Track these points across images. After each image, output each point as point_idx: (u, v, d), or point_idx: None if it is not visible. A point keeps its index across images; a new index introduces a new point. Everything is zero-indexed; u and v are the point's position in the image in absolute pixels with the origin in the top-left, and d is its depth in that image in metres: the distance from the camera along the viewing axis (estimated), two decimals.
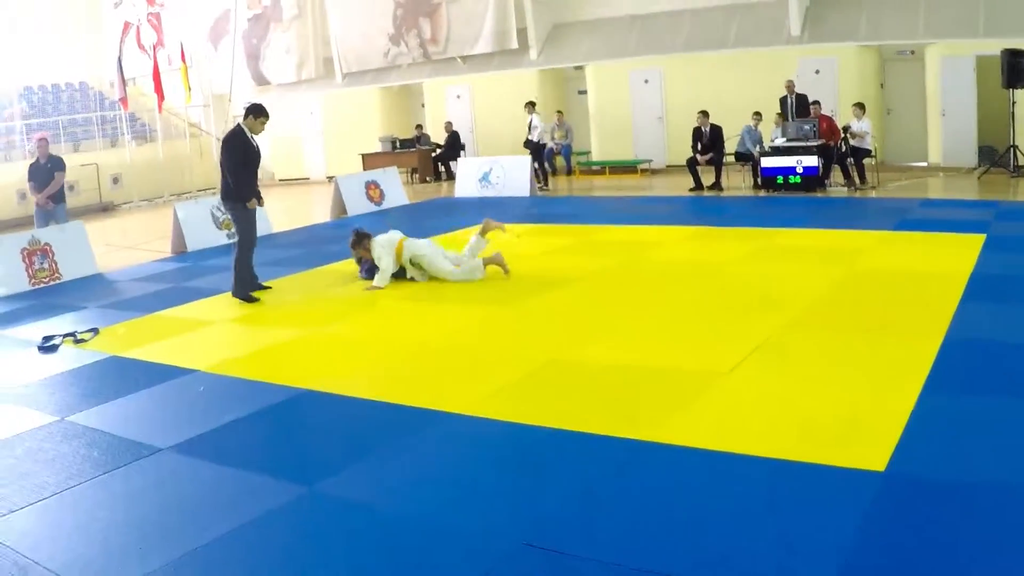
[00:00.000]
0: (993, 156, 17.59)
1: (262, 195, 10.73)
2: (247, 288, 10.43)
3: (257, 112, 10.30)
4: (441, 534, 4.38)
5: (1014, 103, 16.53)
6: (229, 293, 10.55)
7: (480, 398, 6.23)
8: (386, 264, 10.50)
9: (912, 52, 19.83)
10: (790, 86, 18.23)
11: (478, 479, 4.98)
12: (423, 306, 9.42)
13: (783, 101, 18.06)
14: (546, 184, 21.07)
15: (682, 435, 5.27)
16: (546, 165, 21.69)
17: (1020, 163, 16.54)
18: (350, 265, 11.51)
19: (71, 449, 5.91)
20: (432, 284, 10.42)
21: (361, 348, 8.00)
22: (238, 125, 10.38)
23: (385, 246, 10.60)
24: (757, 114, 17.97)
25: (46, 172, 14.31)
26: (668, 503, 4.51)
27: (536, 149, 21.59)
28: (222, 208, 11.06)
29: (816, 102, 17.39)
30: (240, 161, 10.21)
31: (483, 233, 10.78)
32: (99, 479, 5.35)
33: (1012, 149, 16.63)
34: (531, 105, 22.06)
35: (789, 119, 17.27)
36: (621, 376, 6.55)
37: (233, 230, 10.88)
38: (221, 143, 10.53)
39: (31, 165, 14.60)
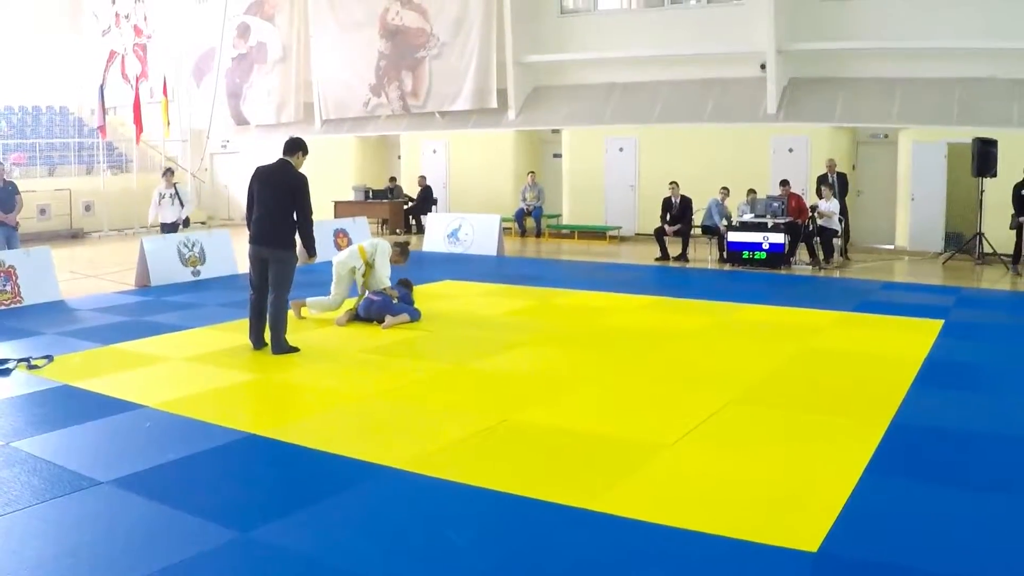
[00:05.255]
0: (959, 242, 17.89)
1: None
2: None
3: (306, 149, 9.73)
4: None
5: (983, 191, 16.89)
6: (191, 331, 10.60)
7: (425, 455, 6.22)
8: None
9: (885, 136, 20.25)
10: (831, 165, 18.18)
11: (410, 536, 4.98)
12: (378, 359, 9.43)
13: (823, 178, 17.93)
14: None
15: (619, 505, 5.29)
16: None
17: (985, 251, 16.83)
18: (307, 311, 11.70)
19: (12, 475, 5.86)
20: (391, 339, 10.46)
21: (312, 396, 8.00)
22: (289, 163, 9.56)
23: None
24: (724, 189, 18.19)
25: (8, 193, 14.55)
26: (594, 573, 4.52)
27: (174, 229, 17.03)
28: (264, 254, 9.48)
29: (785, 181, 17.63)
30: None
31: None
32: (36, 508, 5.31)
33: (978, 236, 16.93)
34: (169, 173, 17.73)
35: (834, 196, 17.30)
36: (567, 441, 6.58)
37: (270, 276, 9.55)
38: (299, 185, 9.48)
39: None
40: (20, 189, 15.15)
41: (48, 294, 13.26)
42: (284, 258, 9.51)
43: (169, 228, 16.94)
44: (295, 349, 9.58)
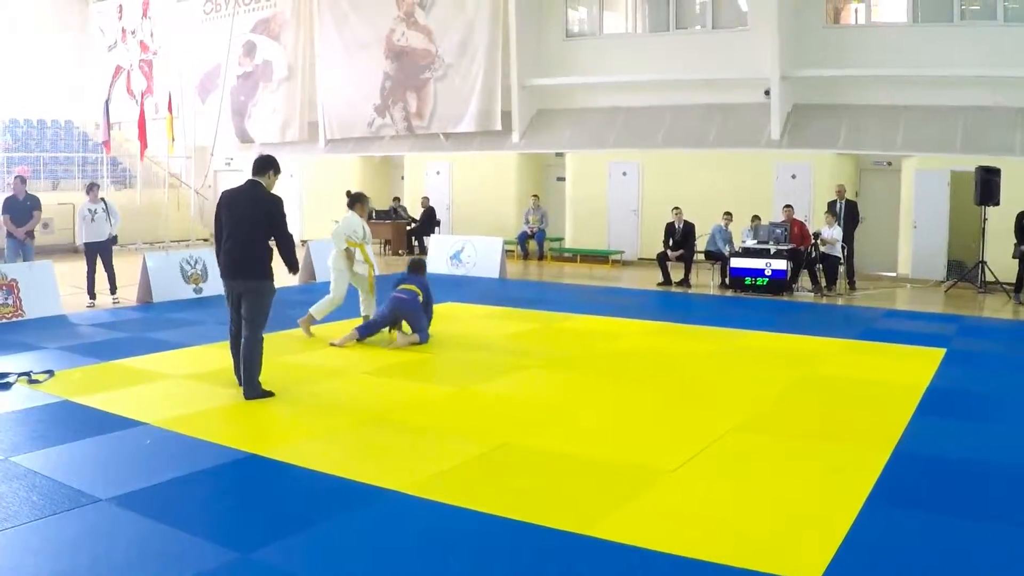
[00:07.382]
0: (962, 271, 17.88)
1: None
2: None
3: (277, 168, 8.70)
4: None
5: (985, 219, 16.89)
6: (192, 349, 10.60)
7: (425, 479, 6.20)
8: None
9: (889, 163, 20.26)
10: (841, 191, 18.01)
11: (409, 559, 4.95)
12: (380, 380, 9.42)
13: (832, 205, 17.78)
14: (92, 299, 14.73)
15: (620, 531, 5.26)
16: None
17: (988, 279, 16.82)
18: (315, 329, 11.70)
19: (10, 490, 5.85)
20: (393, 361, 10.44)
21: (313, 417, 7.96)
22: (260, 184, 8.52)
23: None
24: (728, 214, 18.19)
25: (25, 208, 14.55)
26: None
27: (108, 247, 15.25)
28: (238, 288, 8.44)
29: (789, 206, 17.62)
30: None
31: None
32: (34, 524, 5.29)
33: (981, 265, 16.93)
34: (95, 187, 15.63)
35: (840, 223, 17.26)
36: (568, 466, 6.56)
37: (244, 310, 8.48)
38: (273, 208, 8.44)
39: (8, 200, 14.73)
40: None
41: (50, 308, 13.29)
42: (259, 290, 8.42)
43: (103, 246, 15.08)
44: (269, 394, 8.49)
